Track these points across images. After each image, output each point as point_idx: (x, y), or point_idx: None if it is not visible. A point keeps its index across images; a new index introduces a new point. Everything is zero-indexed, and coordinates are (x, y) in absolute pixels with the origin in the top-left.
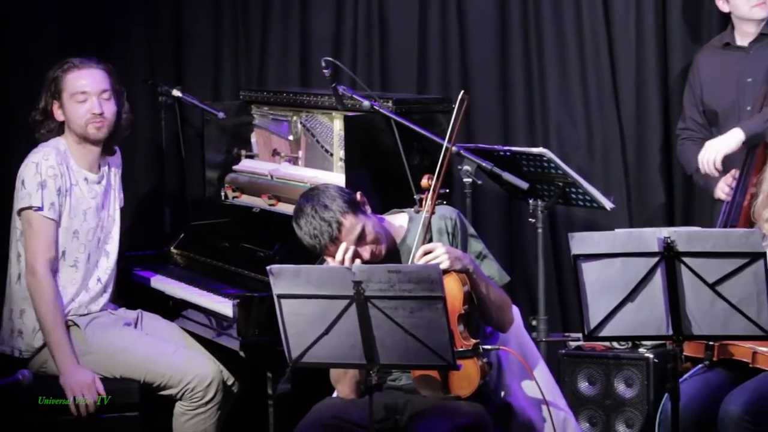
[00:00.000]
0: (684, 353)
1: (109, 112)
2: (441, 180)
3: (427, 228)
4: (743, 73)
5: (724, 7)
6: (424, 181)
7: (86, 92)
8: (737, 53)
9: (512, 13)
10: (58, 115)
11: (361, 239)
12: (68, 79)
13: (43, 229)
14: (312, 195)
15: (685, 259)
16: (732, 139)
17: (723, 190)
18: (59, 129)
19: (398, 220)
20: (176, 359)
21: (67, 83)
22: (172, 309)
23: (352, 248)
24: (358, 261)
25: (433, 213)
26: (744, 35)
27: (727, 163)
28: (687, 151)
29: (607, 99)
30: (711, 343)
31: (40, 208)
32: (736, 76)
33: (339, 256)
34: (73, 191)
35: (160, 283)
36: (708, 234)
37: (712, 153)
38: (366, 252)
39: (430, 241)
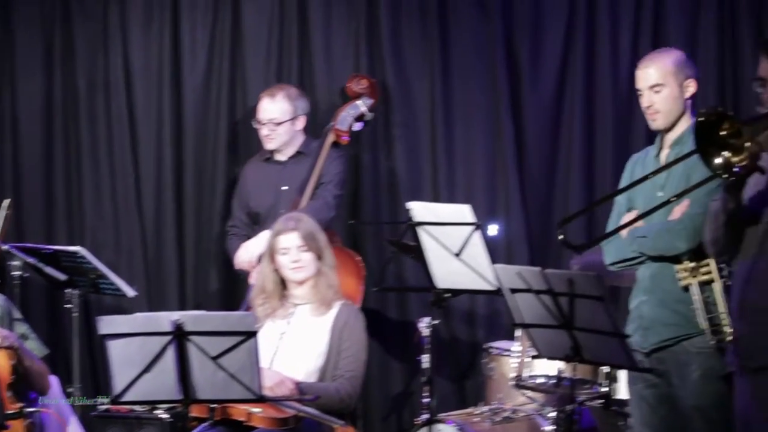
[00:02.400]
0: (192, 414)
1: None
2: None
3: None
4: (280, 182)
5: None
6: None
7: None
8: (276, 166)
9: (56, 132)
10: None
11: None
12: None
13: None
14: None
15: (192, 337)
16: (262, 240)
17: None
18: None
19: None
20: None
21: None
22: None
23: None
24: None
25: None
26: (283, 153)
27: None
28: (233, 244)
29: (132, 206)
30: (213, 405)
31: None
32: (274, 184)
33: None
34: None
35: None
36: (210, 317)
37: (248, 254)
38: None
39: None
